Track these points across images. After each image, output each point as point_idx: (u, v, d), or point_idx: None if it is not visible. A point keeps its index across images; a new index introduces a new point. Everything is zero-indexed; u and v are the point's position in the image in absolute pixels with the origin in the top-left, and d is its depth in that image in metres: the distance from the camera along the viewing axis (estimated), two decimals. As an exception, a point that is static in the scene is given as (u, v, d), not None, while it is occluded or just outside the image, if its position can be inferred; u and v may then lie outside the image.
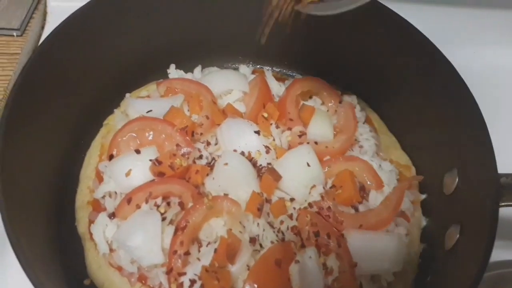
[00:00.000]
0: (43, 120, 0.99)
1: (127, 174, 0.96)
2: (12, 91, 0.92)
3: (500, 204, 0.86)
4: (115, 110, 1.17)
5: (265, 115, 1.11)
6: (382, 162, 1.12)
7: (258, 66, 1.37)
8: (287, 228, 0.96)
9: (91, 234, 0.95)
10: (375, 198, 1.04)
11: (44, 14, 1.54)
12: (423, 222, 1.07)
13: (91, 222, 0.96)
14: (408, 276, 0.98)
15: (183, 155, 1.01)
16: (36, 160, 0.95)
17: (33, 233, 0.83)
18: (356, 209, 1.02)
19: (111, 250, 0.92)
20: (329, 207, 1.00)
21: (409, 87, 1.15)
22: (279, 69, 1.39)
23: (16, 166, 0.86)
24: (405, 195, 1.05)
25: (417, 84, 1.12)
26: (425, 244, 1.04)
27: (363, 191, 1.05)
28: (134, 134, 1.03)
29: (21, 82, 0.92)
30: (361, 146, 1.15)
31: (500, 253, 1.07)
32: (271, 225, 0.96)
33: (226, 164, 0.98)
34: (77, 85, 1.09)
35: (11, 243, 0.72)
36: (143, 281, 0.89)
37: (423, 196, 1.09)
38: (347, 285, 0.89)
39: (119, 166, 0.98)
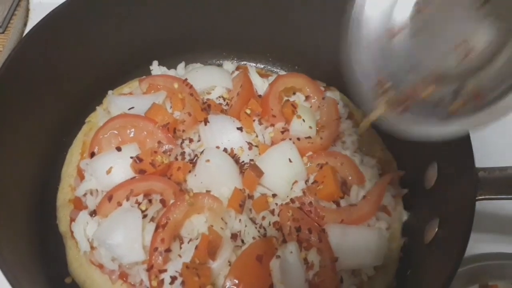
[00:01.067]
0: (24, 117, 0.99)
1: (108, 172, 0.96)
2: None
3: (477, 198, 0.87)
4: (97, 107, 1.16)
5: (248, 111, 1.12)
6: (364, 157, 1.13)
7: (242, 63, 1.37)
8: (269, 224, 0.96)
9: (72, 232, 0.95)
10: (356, 193, 1.05)
11: (27, 11, 1.53)
12: (404, 216, 1.08)
13: (72, 220, 0.96)
14: (389, 270, 0.99)
15: (164, 152, 1.01)
16: (17, 157, 0.95)
17: (13, 232, 0.83)
18: (338, 204, 1.03)
19: (92, 248, 0.92)
20: (310, 203, 1.00)
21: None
22: (263, 66, 1.39)
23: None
24: (386, 189, 1.06)
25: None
26: (406, 238, 1.05)
27: (344, 186, 1.06)
28: (115, 132, 1.03)
29: (2, 77, 0.92)
30: (343, 142, 1.16)
31: (480, 246, 1.09)
32: (253, 221, 0.97)
33: (208, 161, 0.98)
34: (59, 82, 1.08)
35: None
36: (124, 279, 0.89)
37: (405, 191, 1.10)
38: (328, 280, 0.90)
39: (100, 163, 0.98)
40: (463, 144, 0.92)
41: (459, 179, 0.93)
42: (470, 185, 0.88)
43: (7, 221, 0.82)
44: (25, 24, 1.50)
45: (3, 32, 1.41)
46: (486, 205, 1.06)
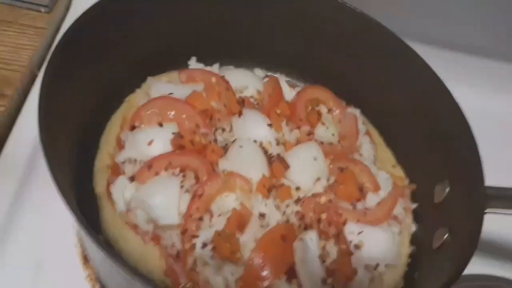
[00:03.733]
0: (73, 85, 1.04)
1: (149, 144, 1.02)
2: (51, 57, 0.97)
3: (485, 211, 0.96)
4: (137, 89, 1.23)
5: (278, 111, 1.20)
6: (379, 172, 1.21)
7: (269, 73, 1.46)
8: (292, 212, 1.03)
9: (109, 194, 1.00)
10: (371, 200, 1.12)
11: (70, -4, 1.61)
12: (413, 228, 1.16)
13: (109, 183, 1.02)
14: (398, 270, 1.06)
15: (201, 134, 1.08)
16: (65, 119, 1.00)
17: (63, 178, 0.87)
18: (354, 206, 1.10)
19: (128, 209, 0.97)
20: (330, 200, 1.07)
21: (408, 109, 1.26)
22: (288, 79, 1.48)
23: (51, 120, 0.91)
24: (398, 202, 1.14)
25: (417, 108, 1.23)
26: (415, 247, 1.12)
27: (361, 192, 1.13)
28: (156, 110, 1.10)
29: (60, 48, 0.98)
30: (360, 154, 1.24)
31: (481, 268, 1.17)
32: (277, 207, 1.03)
33: (241, 146, 1.05)
34: (106, 59, 1.15)
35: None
36: (157, 241, 0.94)
37: (414, 205, 1.18)
38: (344, 269, 0.97)
39: (142, 135, 1.04)
40: (474, 163, 1.02)
41: (468, 195, 1.01)
42: (479, 200, 0.96)
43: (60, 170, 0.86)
44: (67, 9, 1.59)
45: (48, 12, 1.48)
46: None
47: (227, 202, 0.99)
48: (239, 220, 0.94)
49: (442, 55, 1.52)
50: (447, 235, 1.00)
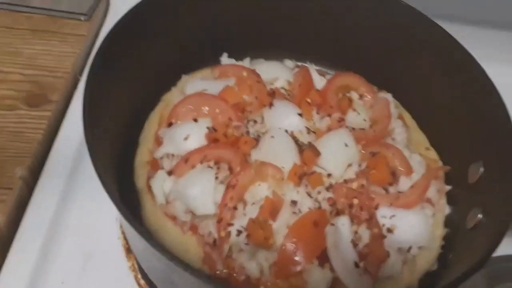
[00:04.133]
0: (113, 87, 1.11)
1: (186, 139, 1.08)
2: (93, 61, 1.04)
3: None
4: (172, 88, 1.29)
5: (309, 100, 1.23)
6: (412, 155, 1.21)
7: (300, 63, 1.49)
8: (323, 199, 1.06)
9: (149, 187, 1.06)
10: (404, 183, 1.13)
11: (107, 4, 1.69)
12: (447, 210, 1.16)
13: (149, 178, 1.08)
14: (431, 253, 1.06)
15: (234, 127, 1.13)
16: (107, 120, 1.07)
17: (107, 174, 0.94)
18: (387, 191, 1.12)
19: (167, 201, 1.03)
20: (362, 185, 1.09)
21: (443, 92, 1.25)
22: (318, 68, 1.50)
23: (94, 121, 0.97)
24: (431, 184, 1.14)
25: (451, 89, 1.22)
26: (449, 229, 1.12)
27: (393, 176, 1.14)
28: (191, 107, 1.15)
29: (99, 55, 1.04)
30: (393, 138, 1.25)
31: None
32: (309, 194, 1.06)
33: (273, 137, 1.09)
34: (143, 62, 1.21)
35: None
36: (194, 230, 0.99)
37: (448, 188, 1.18)
38: (376, 252, 0.99)
39: (179, 131, 1.10)
40: (509, 143, 1.01)
41: (502, 176, 1.01)
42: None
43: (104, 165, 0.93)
44: (105, 16, 1.67)
45: (88, 20, 1.56)
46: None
47: (260, 191, 1.03)
48: (272, 208, 0.98)
49: (472, 32, 1.49)
50: (480, 215, 1.00)
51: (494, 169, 1.05)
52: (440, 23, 1.21)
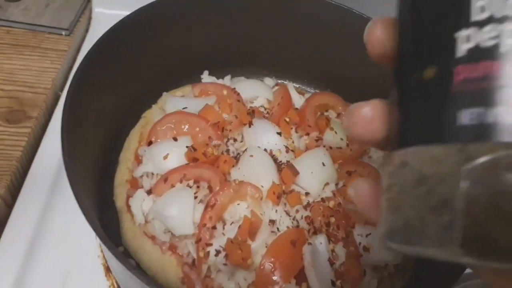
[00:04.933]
0: (93, 105, 1.12)
1: (165, 158, 1.09)
2: (73, 79, 1.04)
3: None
4: (152, 105, 1.30)
5: (287, 119, 1.25)
6: (388, 172, 1.25)
7: (280, 81, 1.52)
8: (301, 217, 1.08)
9: (128, 206, 1.07)
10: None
11: (89, 19, 1.70)
12: (422, 227, 1.18)
13: (128, 197, 1.09)
14: (406, 270, 1.09)
15: (214, 146, 1.14)
16: (86, 138, 1.07)
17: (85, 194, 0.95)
18: (363, 209, 1.14)
19: (146, 221, 1.03)
20: (339, 203, 1.12)
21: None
22: (298, 85, 1.53)
23: (73, 140, 0.98)
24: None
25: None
26: (423, 246, 1.15)
27: (370, 194, 1.17)
28: (171, 125, 1.16)
29: (80, 73, 1.04)
30: (369, 157, 1.28)
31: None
32: (287, 213, 1.08)
33: (252, 156, 1.11)
34: (123, 79, 1.22)
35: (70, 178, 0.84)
36: (173, 250, 1.00)
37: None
38: (352, 270, 1.01)
39: (158, 150, 1.11)
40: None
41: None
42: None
43: (82, 183, 0.94)
44: (87, 30, 1.67)
45: (69, 35, 1.57)
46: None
47: (239, 210, 1.04)
48: (250, 227, 0.99)
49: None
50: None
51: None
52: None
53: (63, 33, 1.56)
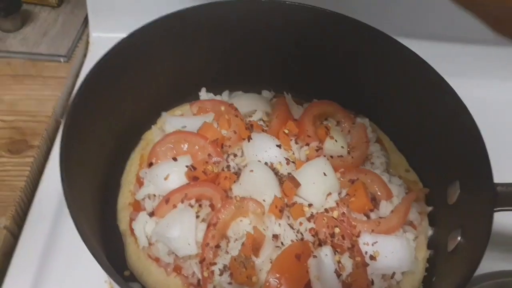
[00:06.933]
0: (92, 130, 1.12)
1: (166, 178, 1.09)
2: (70, 107, 1.05)
3: (495, 209, 0.97)
4: (152, 126, 1.31)
5: (286, 131, 1.25)
6: (391, 178, 1.24)
7: (277, 94, 1.51)
8: (305, 229, 1.07)
9: (132, 230, 1.07)
10: (385, 208, 1.15)
11: (87, 44, 1.71)
12: (430, 231, 1.17)
13: (132, 220, 1.09)
14: (415, 277, 1.07)
15: (214, 163, 1.14)
16: (87, 165, 1.08)
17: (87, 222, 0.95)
18: (368, 217, 1.13)
19: (150, 243, 1.04)
20: (343, 213, 1.11)
21: (417, 114, 1.27)
22: (297, 97, 1.52)
23: (73, 169, 0.99)
24: (412, 206, 1.16)
25: (425, 110, 1.24)
26: (432, 251, 1.14)
27: (374, 201, 1.16)
28: (171, 145, 1.17)
29: (77, 100, 1.05)
30: (372, 163, 1.27)
31: (499, 264, 1.16)
32: (291, 226, 1.08)
33: (252, 171, 1.10)
34: (121, 104, 1.23)
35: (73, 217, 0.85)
36: (178, 271, 1.00)
37: (430, 208, 1.20)
38: (360, 281, 1.00)
39: (159, 171, 1.11)
40: (482, 162, 1.03)
41: (478, 194, 1.02)
42: (488, 198, 0.98)
43: (83, 211, 0.94)
44: (85, 55, 1.69)
45: (67, 61, 1.58)
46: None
47: (242, 226, 1.04)
48: (254, 244, 0.99)
49: (438, 49, 1.52)
50: (460, 237, 1.01)
51: (469, 190, 1.07)
52: (408, 41, 1.23)
53: (62, 60, 1.58)
